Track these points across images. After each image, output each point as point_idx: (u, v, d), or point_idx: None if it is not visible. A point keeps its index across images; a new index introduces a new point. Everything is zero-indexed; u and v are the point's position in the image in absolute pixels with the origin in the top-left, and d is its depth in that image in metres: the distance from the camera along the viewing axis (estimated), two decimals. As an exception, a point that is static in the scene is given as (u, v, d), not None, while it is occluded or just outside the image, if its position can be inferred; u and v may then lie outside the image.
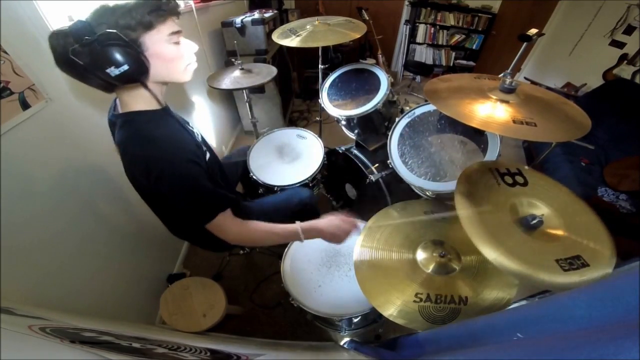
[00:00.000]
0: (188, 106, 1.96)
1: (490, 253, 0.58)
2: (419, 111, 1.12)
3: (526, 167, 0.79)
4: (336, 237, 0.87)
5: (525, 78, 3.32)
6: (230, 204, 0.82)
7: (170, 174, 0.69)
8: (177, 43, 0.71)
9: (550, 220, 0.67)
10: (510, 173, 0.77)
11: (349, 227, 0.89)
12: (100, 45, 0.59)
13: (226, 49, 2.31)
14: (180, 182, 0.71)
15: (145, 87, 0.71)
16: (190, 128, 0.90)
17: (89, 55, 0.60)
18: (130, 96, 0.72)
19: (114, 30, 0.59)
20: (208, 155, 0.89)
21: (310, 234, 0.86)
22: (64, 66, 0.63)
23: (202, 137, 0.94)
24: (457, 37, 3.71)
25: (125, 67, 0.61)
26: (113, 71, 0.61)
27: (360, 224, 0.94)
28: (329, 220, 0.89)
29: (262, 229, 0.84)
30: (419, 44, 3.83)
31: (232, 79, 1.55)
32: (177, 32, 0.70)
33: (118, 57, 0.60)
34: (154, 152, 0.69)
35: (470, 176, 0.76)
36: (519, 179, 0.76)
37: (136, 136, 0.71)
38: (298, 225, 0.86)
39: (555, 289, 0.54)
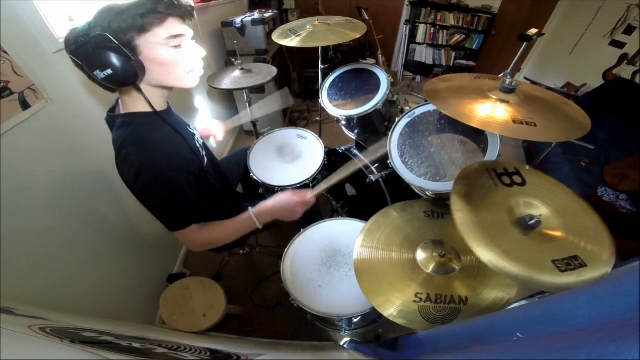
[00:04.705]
0: (188, 107, 1.96)
1: (485, 255, 0.57)
2: (419, 111, 1.12)
3: (527, 167, 0.79)
4: (288, 212, 0.89)
5: (525, 78, 3.32)
6: (205, 218, 0.83)
7: (158, 181, 0.70)
8: (178, 47, 0.67)
9: (549, 220, 0.66)
10: (507, 173, 0.77)
11: (299, 199, 0.90)
12: (91, 48, 0.59)
13: (226, 49, 2.31)
14: (165, 190, 0.72)
15: (139, 90, 0.69)
16: (191, 131, 0.90)
17: (82, 56, 0.61)
18: (130, 97, 0.72)
19: (104, 33, 0.58)
20: (206, 160, 0.88)
21: (264, 218, 0.88)
22: (75, 65, 0.64)
23: (202, 141, 0.93)
24: (457, 37, 3.70)
25: (109, 71, 0.60)
26: (99, 74, 0.61)
27: (310, 194, 0.94)
28: (277, 199, 0.90)
29: (219, 231, 0.86)
30: (419, 44, 3.83)
31: (232, 79, 1.55)
32: (178, 36, 0.66)
33: (104, 60, 0.59)
34: (147, 158, 0.69)
35: (467, 177, 0.75)
36: (516, 178, 0.75)
37: (132, 138, 0.70)
38: (251, 212, 0.87)
39: (552, 290, 0.53)
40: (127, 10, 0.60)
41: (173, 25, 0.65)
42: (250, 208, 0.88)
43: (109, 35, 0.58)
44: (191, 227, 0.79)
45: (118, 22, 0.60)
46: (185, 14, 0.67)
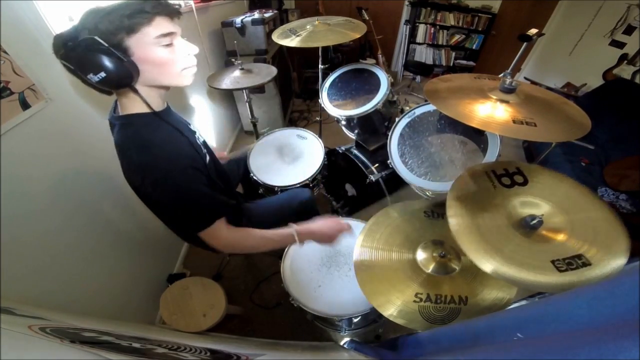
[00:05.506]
0: (188, 107, 1.96)
1: (488, 265, 0.55)
2: (419, 111, 1.12)
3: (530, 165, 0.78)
4: (329, 238, 0.90)
5: (525, 78, 3.31)
6: (228, 211, 0.81)
7: (164, 182, 0.69)
8: (169, 45, 0.66)
9: (552, 218, 0.64)
10: (508, 173, 0.75)
11: (340, 227, 0.91)
12: (82, 51, 0.59)
13: (226, 49, 2.31)
14: (175, 190, 0.70)
15: (135, 91, 0.69)
16: (192, 130, 0.90)
17: (74, 60, 0.60)
18: (127, 99, 0.72)
19: (92, 36, 0.58)
20: (207, 158, 0.88)
21: (305, 237, 0.87)
22: (66, 69, 0.64)
23: (203, 139, 0.93)
24: (457, 37, 3.70)
25: (103, 74, 0.60)
26: (93, 78, 0.61)
27: (352, 223, 0.97)
28: (321, 222, 0.91)
29: (256, 236, 0.84)
30: (419, 44, 3.83)
31: (232, 79, 1.55)
32: (168, 34, 0.65)
33: (96, 63, 0.59)
34: (150, 159, 0.68)
35: (463, 184, 0.73)
36: (517, 178, 0.74)
37: (133, 140, 0.70)
38: (293, 229, 0.86)
39: (555, 291, 0.52)
40: (113, 12, 0.59)
41: (162, 24, 0.64)
42: (293, 225, 0.86)
43: (97, 38, 0.58)
44: (217, 224, 0.76)
45: (105, 24, 0.59)
46: (172, 12, 0.66)
